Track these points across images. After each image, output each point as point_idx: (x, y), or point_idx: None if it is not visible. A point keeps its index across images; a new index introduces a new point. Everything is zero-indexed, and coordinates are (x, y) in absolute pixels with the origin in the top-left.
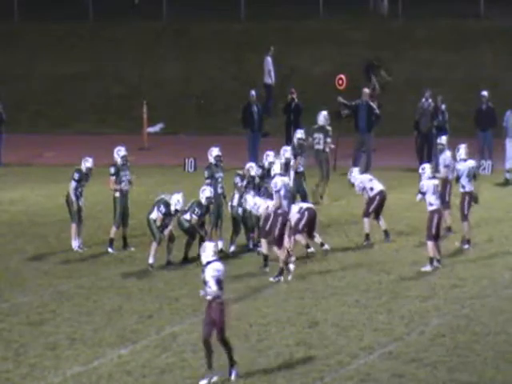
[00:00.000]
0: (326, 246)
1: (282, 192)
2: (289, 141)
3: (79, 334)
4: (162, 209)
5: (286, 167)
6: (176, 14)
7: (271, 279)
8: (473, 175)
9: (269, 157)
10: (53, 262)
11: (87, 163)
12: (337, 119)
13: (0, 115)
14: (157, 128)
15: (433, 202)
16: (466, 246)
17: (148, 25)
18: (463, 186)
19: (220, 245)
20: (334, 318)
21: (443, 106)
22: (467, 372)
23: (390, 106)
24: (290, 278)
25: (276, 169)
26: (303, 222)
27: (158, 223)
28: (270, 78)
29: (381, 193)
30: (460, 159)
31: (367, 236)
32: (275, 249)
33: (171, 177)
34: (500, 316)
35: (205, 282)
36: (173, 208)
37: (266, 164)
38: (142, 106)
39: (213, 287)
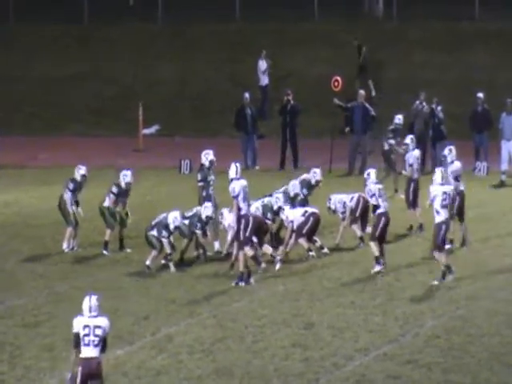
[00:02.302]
0: (326, 250)
1: (241, 196)
2: (285, 142)
3: None
4: (165, 234)
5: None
6: (171, 16)
7: (232, 284)
8: (451, 203)
9: (208, 155)
10: (48, 264)
11: (81, 171)
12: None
13: None
14: (152, 130)
15: (380, 204)
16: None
17: (143, 26)
18: (437, 212)
19: (216, 246)
20: (329, 319)
21: (439, 108)
22: (462, 373)
23: (385, 107)
24: (252, 281)
25: (232, 173)
26: (308, 226)
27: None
28: (263, 81)
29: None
30: (435, 183)
31: (361, 238)
32: (244, 250)
33: (167, 179)
34: (495, 318)
35: None
36: (172, 226)
37: (206, 163)
38: (138, 108)
39: None
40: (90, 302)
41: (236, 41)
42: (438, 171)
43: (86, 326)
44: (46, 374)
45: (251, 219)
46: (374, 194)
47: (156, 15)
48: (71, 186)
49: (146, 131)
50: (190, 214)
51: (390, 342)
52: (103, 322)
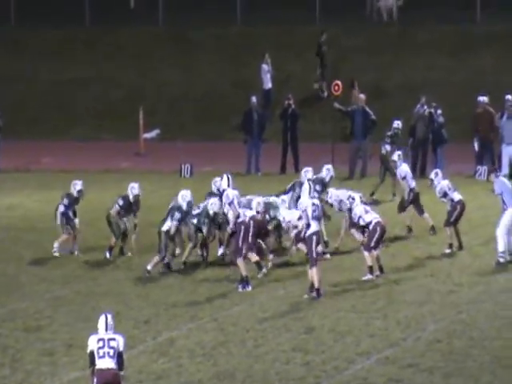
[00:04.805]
0: (328, 256)
1: (236, 201)
2: (286, 146)
3: (76, 339)
4: (177, 215)
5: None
6: (173, 19)
7: (239, 289)
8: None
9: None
10: (50, 268)
11: (77, 186)
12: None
13: None
14: (153, 134)
15: (370, 219)
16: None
17: (145, 30)
18: (308, 225)
19: (221, 250)
20: (330, 323)
21: (438, 112)
22: (463, 377)
23: (388, 111)
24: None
25: (224, 184)
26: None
27: (173, 230)
28: (267, 84)
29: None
30: (303, 196)
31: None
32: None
33: (168, 183)
34: (496, 321)
35: None
36: (211, 212)
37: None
38: (139, 112)
39: None
40: (105, 320)
41: (238, 44)
42: (306, 185)
43: (100, 340)
44: (46, 378)
45: (251, 224)
46: (360, 216)
47: (157, 18)
48: (66, 201)
49: (147, 135)
50: (197, 211)
51: (392, 346)
52: (119, 337)
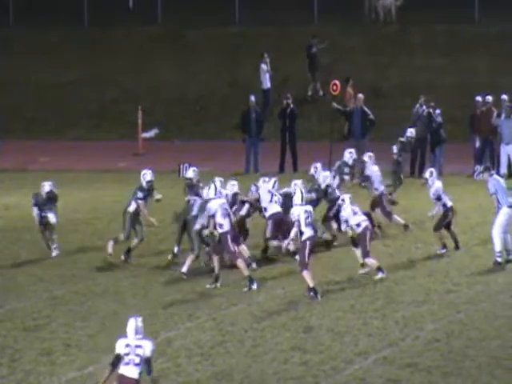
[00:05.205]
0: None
1: (219, 213)
2: (284, 146)
3: (74, 339)
4: (140, 194)
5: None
6: (171, 19)
7: (245, 289)
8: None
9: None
10: (47, 268)
11: (45, 188)
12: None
13: None
14: (152, 133)
15: (359, 223)
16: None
17: (143, 30)
18: (301, 232)
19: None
20: (328, 323)
21: (437, 112)
22: (462, 377)
23: (386, 110)
24: (218, 284)
25: (211, 193)
26: None
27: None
28: (266, 84)
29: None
30: (295, 204)
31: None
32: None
33: (166, 182)
34: (494, 321)
35: None
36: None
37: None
38: (137, 112)
39: None
40: (135, 324)
41: (236, 44)
42: (298, 192)
43: (127, 345)
44: (45, 377)
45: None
46: (346, 220)
47: (156, 19)
48: (33, 201)
49: (146, 135)
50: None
51: (390, 346)
52: (147, 343)
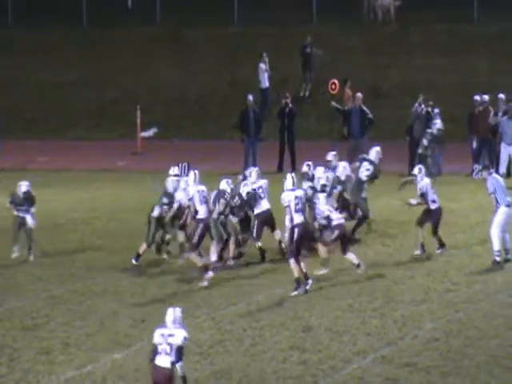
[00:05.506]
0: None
1: (197, 198)
2: (283, 145)
3: (73, 338)
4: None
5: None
6: (170, 19)
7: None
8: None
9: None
10: (46, 267)
11: (22, 188)
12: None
13: None
14: (150, 132)
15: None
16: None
17: (142, 30)
18: (291, 218)
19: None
20: (327, 322)
21: (436, 111)
22: (460, 376)
23: (385, 110)
24: (206, 283)
25: (190, 181)
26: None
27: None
28: (264, 83)
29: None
30: (285, 189)
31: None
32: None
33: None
34: (493, 320)
35: None
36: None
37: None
38: (136, 111)
39: None
40: (173, 314)
41: (235, 44)
42: (289, 177)
43: (161, 335)
44: (43, 377)
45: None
46: (319, 215)
47: (155, 18)
48: (9, 199)
49: (144, 134)
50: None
51: (389, 345)
52: (179, 332)
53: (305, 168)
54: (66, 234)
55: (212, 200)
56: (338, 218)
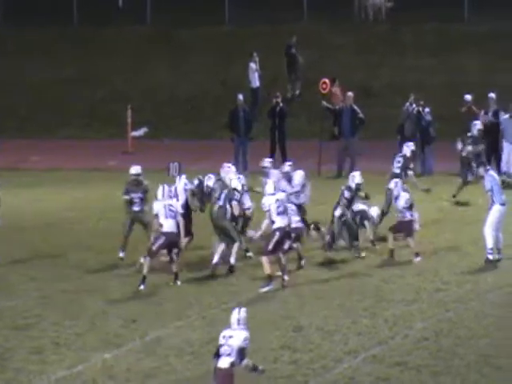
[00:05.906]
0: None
1: (162, 214)
2: (274, 145)
3: (64, 338)
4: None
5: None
6: (161, 19)
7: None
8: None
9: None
10: (38, 267)
11: None
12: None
13: None
14: (141, 132)
15: (274, 219)
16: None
17: (133, 29)
18: (273, 221)
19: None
20: (318, 321)
21: (426, 111)
22: (451, 376)
23: (375, 109)
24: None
25: (159, 194)
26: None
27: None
28: (255, 83)
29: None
30: (266, 194)
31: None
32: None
33: (155, 181)
34: (483, 320)
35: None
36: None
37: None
38: (127, 111)
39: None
40: (238, 314)
41: (226, 44)
42: (270, 182)
43: (223, 337)
44: (35, 376)
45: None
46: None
47: (145, 18)
48: None
49: (135, 133)
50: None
51: (379, 345)
52: (240, 333)
53: (286, 168)
54: (57, 234)
55: (222, 199)
56: (296, 220)
